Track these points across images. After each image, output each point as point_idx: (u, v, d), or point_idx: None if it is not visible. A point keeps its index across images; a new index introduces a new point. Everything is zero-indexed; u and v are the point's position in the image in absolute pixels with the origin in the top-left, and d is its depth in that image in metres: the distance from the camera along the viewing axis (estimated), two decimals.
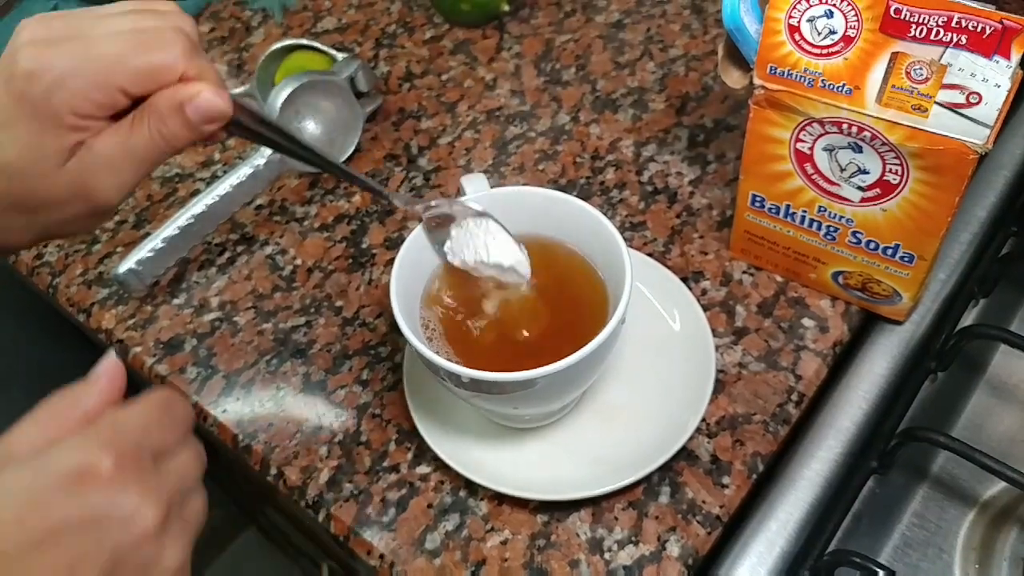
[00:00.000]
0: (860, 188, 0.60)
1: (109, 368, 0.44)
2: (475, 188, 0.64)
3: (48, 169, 0.48)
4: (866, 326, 0.70)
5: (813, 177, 0.62)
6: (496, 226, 0.60)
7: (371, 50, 0.98)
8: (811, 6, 0.56)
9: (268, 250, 0.81)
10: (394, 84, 0.94)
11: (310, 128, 0.84)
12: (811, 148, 0.60)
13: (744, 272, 0.73)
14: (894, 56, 0.54)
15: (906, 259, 0.63)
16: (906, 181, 0.58)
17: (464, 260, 0.61)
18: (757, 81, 0.59)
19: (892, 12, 0.53)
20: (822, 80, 0.57)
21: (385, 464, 0.66)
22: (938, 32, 0.52)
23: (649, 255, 0.73)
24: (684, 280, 0.71)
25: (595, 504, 0.63)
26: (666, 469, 0.63)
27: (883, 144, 0.56)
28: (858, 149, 0.58)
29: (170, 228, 0.77)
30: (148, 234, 0.78)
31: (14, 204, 0.50)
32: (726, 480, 0.63)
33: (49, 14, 0.50)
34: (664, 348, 0.67)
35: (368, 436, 0.68)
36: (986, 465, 0.58)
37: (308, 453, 0.68)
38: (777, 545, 0.60)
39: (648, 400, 0.65)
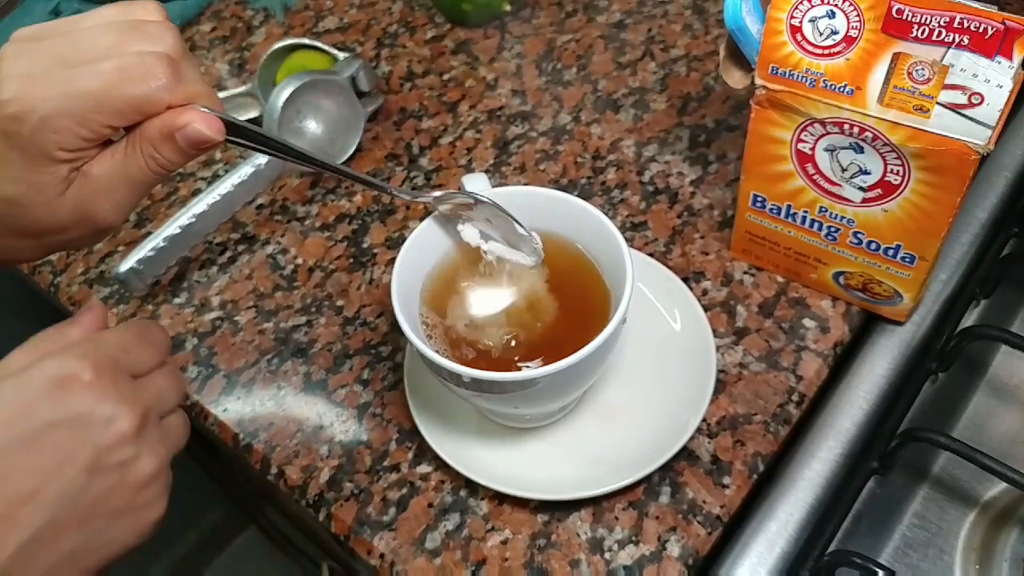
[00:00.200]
0: (861, 189, 0.60)
1: (93, 308, 0.49)
2: (476, 188, 0.64)
3: (48, 199, 0.48)
4: (867, 327, 0.70)
5: (814, 177, 0.62)
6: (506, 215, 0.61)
7: (372, 50, 0.98)
8: (813, 6, 0.56)
9: (269, 249, 0.81)
10: (395, 84, 0.94)
11: (311, 127, 0.84)
12: (812, 148, 0.60)
13: (745, 272, 0.73)
14: (896, 56, 0.54)
15: (907, 260, 0.63)
16: (907, 182, 0.58)
17: (479, 242, 0.63)
18: (759, 81, 0.59)
19: (894, 12, 0.53)
20: (824, 80, 0.57)
21: (386, 463, 0.66)
22: (940, 33, 0.52)
23: (650, 255, 0.73)
24: (685, 280, 0.71)
25: (595, 504, 0.63)
26: (667, 469, 0.63)
27: (884, 145, 0.56)
28: (859, 150, 0.58)
29: (171, 227, 0.77)
30: (149, 233, 0.78)
31: (20, 232, 0.50)
32: (726, 480, 0.63)
33: (30, 34, 0.49)
34: (665, 348, 0.67)
35: (369, 435, 0.68)
36: (987, 466, 0.58)
37: (309, 452, 0.68)
38: (777, 545, 0.60)
39: (649, 400, 0.65)
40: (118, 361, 0.46)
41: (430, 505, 0.64)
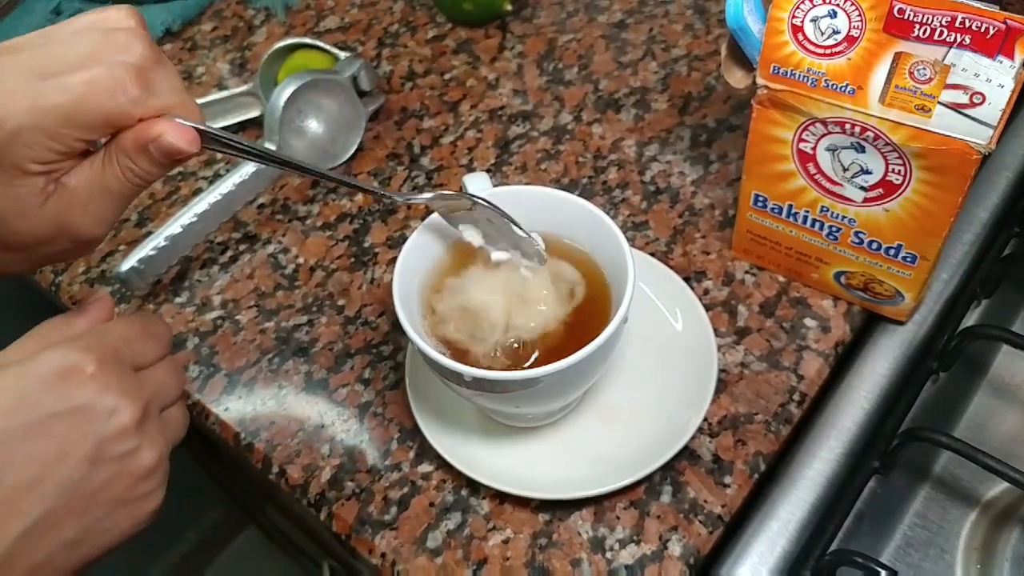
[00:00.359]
0: (863, 188, 0.60)
1: (101, 299, 0.51)
2: (477, 187, 0.64)
3: (26, 211, 0.47)
4: (868, 326, 0.70)
5: (816, 177, 0.62)
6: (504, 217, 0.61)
7: (374, 49, 0.98)
8: (815, 6, 0.56)
9: (270, 249, 0.81)
10: (396, 83, 0.94)
11: (312, 127, 0.84)
12: (814, 148, 0.60)
13: (746, 272, 0.73)
14: (897, 56, 0.54)
15: (908, 259, 0.63)
16: (909, 181, 0.58)
17: (481, 243, 0.62)
18: (760, 81, 0.59)
19: (896, 12, 0.53)
20: (825, 80, 0.57)
21: (387, 463, 0.66)
22: (942, 32, 0.52)
23: (651, 255, 0.73)
24: (686, 280, 0.71)
25: (597, 503, 0.63)
26: (668, 468, 0.63)
27: (886, 144, 0.56)
28: (861, 149, 0.58)
29: (173, 226, 0.77)
30: (150, 232, 0.78)
31: (1, 246, 0.49)
32: (728, 480, 0.63)
33: (6, 47, 0.48)
34: (666, 348, 0.67)
35: (370, 435, 0.68)
36: (988, 465, 0.58)
37: (310, 452, 0.68)
38: (779, 545, 0.60)
39: (650, 399, 0.65)
40: (121, 354, 0.47)
41: (431, 504, 0.64)
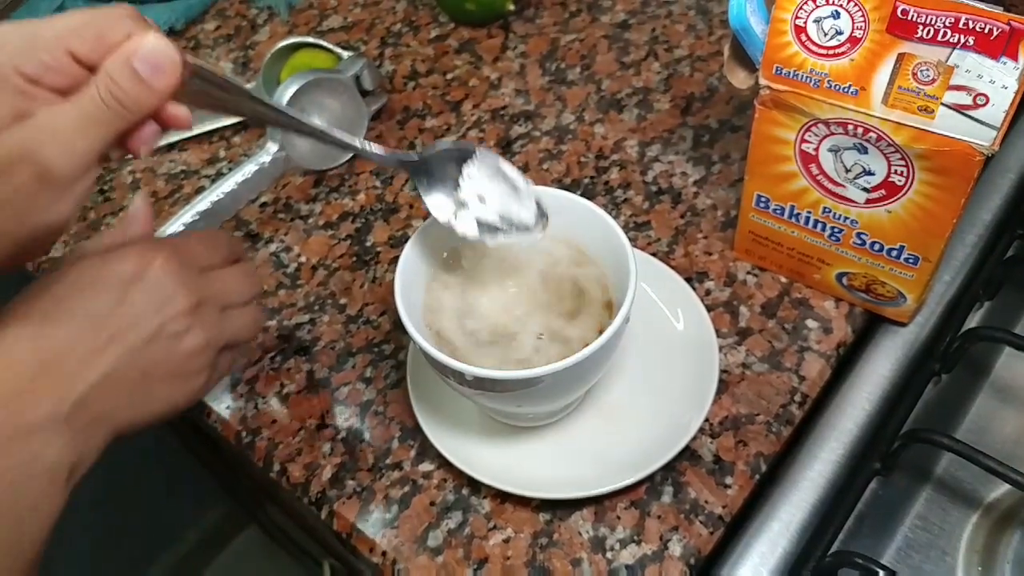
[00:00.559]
0: (865, 189, 0.60)
1: (140, 204, 0.61)
2: None
3: None
4: (870, 327, 0.70)
5: (818, 178, 0.62)
6: (508, 167, 0.61)
7: (376, 49, 0.98)
8: (818, 7, 0.56)
9: (272, 247, 0.81)
10: (399, 83, 0.94)
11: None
12: (816, 149, 0.60)
13: (748, 273, 0.73)
14: (900, 57, 0.54)
15: (911, 261, 0.63)
16: (911, 182, 0.58)
17: (475, 234, 0.61)
18: (763, 81, 0.59)
19: (899, 13, 0.53)
20: (828, 81, 0.56)
21: (388, 461, 0.66)
22: (945, 33, 0.52)
23: (653, 255, 0.73)
24: (688, 280, 0.71)
25: (597, 503, 0.63)
26: (669, 469, 0.63)
27: (889, 145, 0.56)
28: (863, 150, 0.58)
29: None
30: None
31: None
32: (729, 480, 0.62)
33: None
34: (668, 348, 0.67)
35: (371, 433, 0.68)
36: (990, 467, 0.58)
37: (311, 450, 0.68)
38: (779, 546, 0.60)
39: (651, 400, 0.65)
40: (186, 255, 0.56)
41: (432, 503, 0.64)
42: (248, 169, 0.79)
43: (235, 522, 1.80)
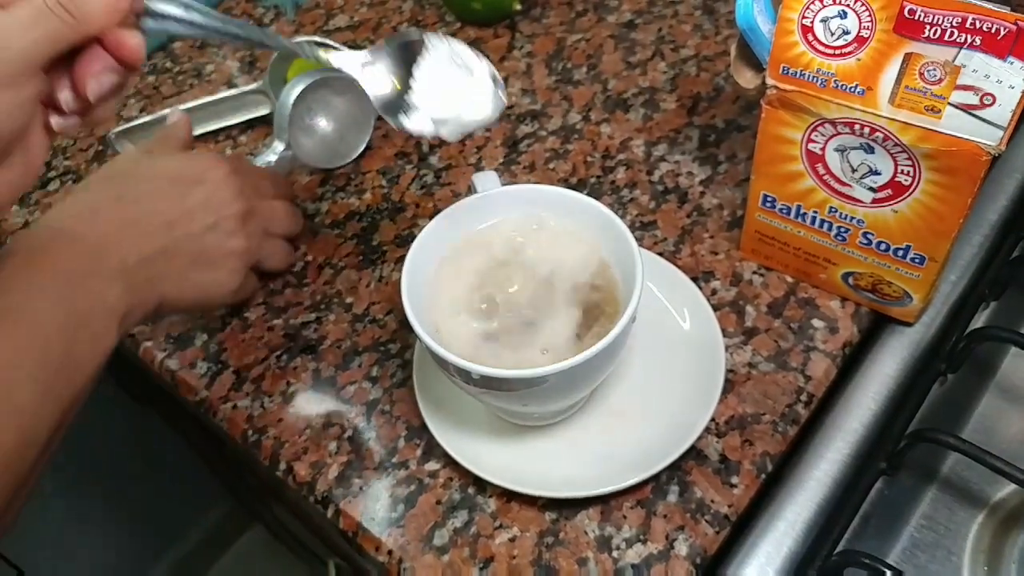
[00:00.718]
0: (871, 189, 0.60)
1: (180, 116, 0.76)
2: (486, 186, 0.64)
3: None
4: (876, 327, 0.70)
5: (824, 178, 0.62)
6: (461, 48, 0.63)
7: None
8: (824, 6, 0.56)
9: None
10: None
11: (322, 125, 0.84)
12: (823, 149, 0.60)
13: (754, 272, 0.73)
14: (907, 57, 0.54)
15: (917, 261, 0.63)
16: (918, 182, 0.58)
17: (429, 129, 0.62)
18: (769, 81, 0.59)
19: (906, 13, 0.53)
20: (835, 81, 0.57)
21: (394, 460, 0.66)
22: (952, 33, 0.52)
23: (660, 255, 0.73)
24: (694, 280, 0.71)
25: (603, 502, 0.63)
26: (675, 468, 0.63)
27: (895, 145, 0.56)
28: (870, 150, 0.58)
29: None
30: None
31: None
32: (735, 480, 0.63)
33: None
34: (674, 348, 0.67)
35: (377, 432, 0.68)
36: (996, 467, 0.58)
37: (317, 449, 0.68)
38: (785, 545, 0.60)
39: (657, 399, 0.65)
40: (247, 176, 0.70)
41: (438, 502, 0.64)
42: None
43: (240, 521, 1.80)
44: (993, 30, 0.51)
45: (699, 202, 0.78)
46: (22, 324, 0.53)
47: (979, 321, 0.72)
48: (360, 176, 0.86)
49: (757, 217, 0.69)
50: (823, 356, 0.68)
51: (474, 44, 0.95)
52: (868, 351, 0.69)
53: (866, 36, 0.55)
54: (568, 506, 0.63)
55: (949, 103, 0.53)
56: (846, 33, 0.55)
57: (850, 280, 0.68)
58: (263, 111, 0.91)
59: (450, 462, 0.65)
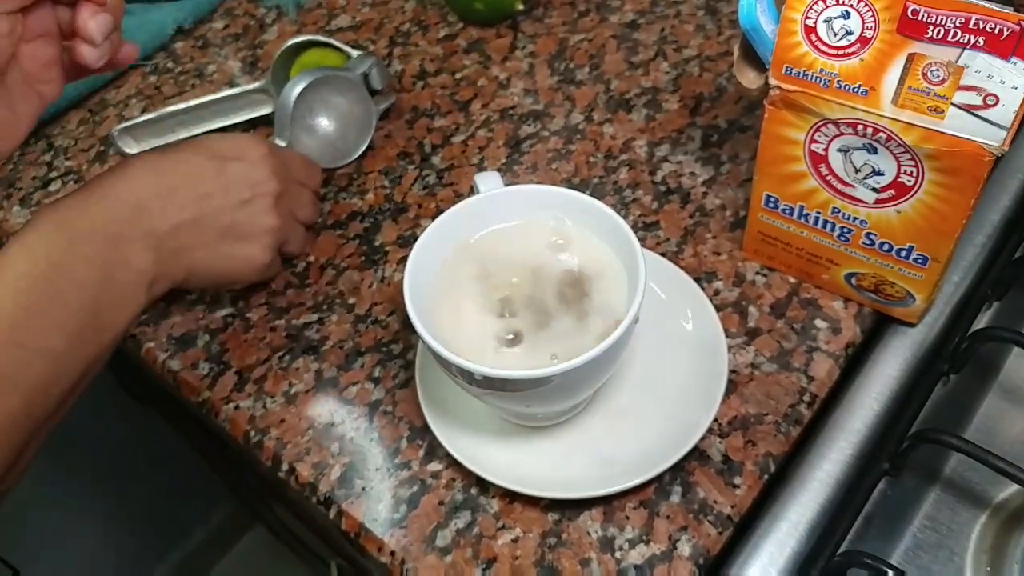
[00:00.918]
0: (874, 189, 0.60)
1: None
2: (489, 186, 0.64)
3: None
4: (879, 328, 0.70)
5: (827, 178, 0.62)
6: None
7: (385, 48, 0.98)
8: (828, 7, 0.56)
9: None
10: (408, 82, 0.94)
11: (323, 124, 0.84)
12: (826, 149, 0.60)
13: (757, 273, 0.73)
14: (911, 57, 0.54)
15: (920, 261, 0.63)
16: (921, 183, 0.58)
17: None
18: (772, 81, 0.59)
19: (909, 13, 0.53)
20: (838, 81, 0.56)
21: (396, 461, 0.66)
22: (955, 33, 0.52)
23: (662, 255, 0.73)
24: (697, 280, 0.71)
25: (606, 503, 0.63)
26: (677, 469, 0.63)
27: (898, 145, 0.56)
28: (873, 150, 0.58)
29: None
30: None
31: None
32: (737, 480, 0.62)
33: None
34: (677, 348, 0.67)
35: (380, 433, 0.68)
36: (999, 468, 0.58)
37: (319, 450, 0.68)
38: (788, 546, 0.60)
39: (660, 400, 0.65)
40: (282, 160, 0.72)
41: (441, 503, 0.64)
42: None
43: (242, 522, 1.81)
44: (996, 31, 0.51)
45: (702, 202, 0.78)
46: (56, 277, 0.56)
47: (982, 321, 0.72)
48: (362, 176, 0.86)
49: (760, 217, 0.69)
50: (826, 356, 0.68)
51: (476, 44, 0.96)
52: (871, 352, 0.68)
53: (869, 36, 0.55)
54: (571, 507, 0.63)
55: (952, 103, 0.53)
56: (849, 33, 0.55)
57: (853, 281, 0.68)
58: (265, 110, 0.91)
59: (452, 463, 0.65)
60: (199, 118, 0.91)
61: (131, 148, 0.91)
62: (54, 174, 0.93)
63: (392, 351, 0.73)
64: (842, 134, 0.59)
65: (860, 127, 0.57)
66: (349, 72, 0.84)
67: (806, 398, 0.66)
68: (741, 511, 0.62)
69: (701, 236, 0.76)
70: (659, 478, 0.63)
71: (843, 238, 0.65)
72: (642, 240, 0.75)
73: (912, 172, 0.57)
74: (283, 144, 0.80)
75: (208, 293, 0.78)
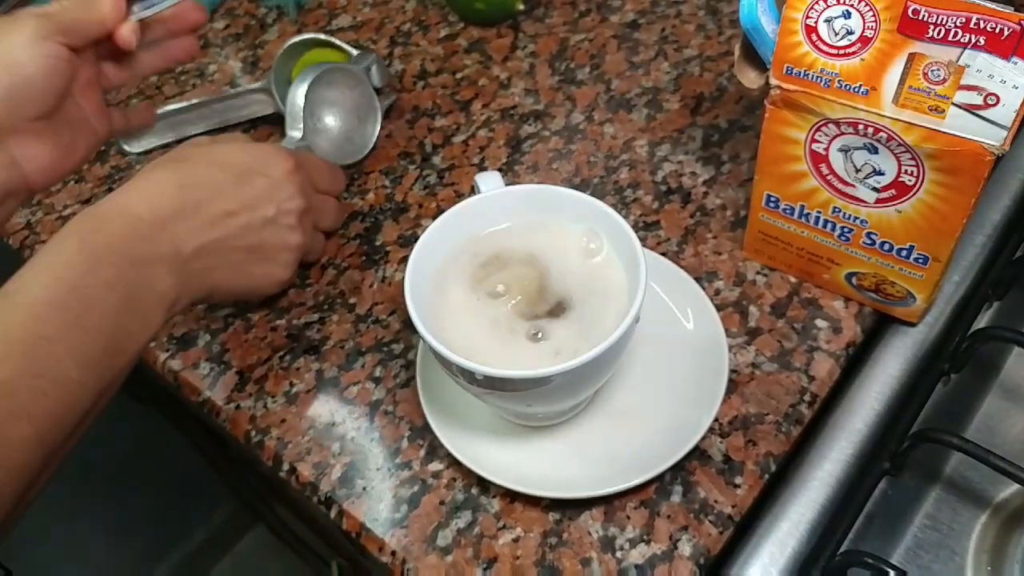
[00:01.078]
0: (875, 189, 0.60)
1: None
2: (490, 186, 0.64)
3: None
4: (879, 327, 0.70)
5: (828, 178, 0.62)
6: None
7: (386, 48, 0.98)
8: (828, 6, 0.56)
9: None
10: (408, 82, 0.94)
11: (329, 122, 0.84)
12: (826, 149, 0.60)
13: (758, 272, 0.73)
14: (911, 57, 0.54)
15: (920, 261, 0.63)
16: (921, 182, 0.58)
17: None
18: (773, 81, 0.59)
19: (910, 13, 0.53)
20: (838, 81, 0.56)
21: (397, 461, 0.67)
22: (956, 33, 0.52)
23: (663, 255, 0.73)
24: (698, 280, 0.71)
25: (607, 503, 0.63)
26: (678, 468, 0.63)
27: (899, 145, 0.56)
28: (874, 150, 0.58)
29: None
30: None
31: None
32: (738, 480, 0.63)
33: None
34: (677, 348, 0.67)
35: (380, 433, 0.68)
36: (999, 467, 0.58)
37: (320, 449, 0.68)
38: (789, 545, 0.60)
39: (661, 399, 0.65)
40: (308, 171, 0.71)
41: (442, 503, 0.64)
42: None
43: (243, 521, 1.81)
44: (997, 30, 0.51)
45: (702, 202, 0.78)
46: (76, 303, 0.55)
47: (982, 321, 0.72)
48: (363, 176, 0.86)
49: (760, 217, 0.69)
50: (826, 356, 0.68)
51: (477, 44, 0.96)
52: (871, 351, 0.68)
53: (870, 36, 0.55)
54: (572, 506, 0.63)
55: (953, 103, 0.53)
56: (850, 33, 0.55)
57: (854, 280, 0.68)
58: (267, 110, 0.91)
59: (453, 462, 0.65)
60: (200, 117, 0.91)
61: (133, 147, 0.91)
62: None
63: (393, 351, 0.73)
64: (843, 134, 0.59)
65: (861, 127, 0.57)
66: (352, 65, 0.85)
67: (807, 398, 0.66)
68: (742, 511, 0.62)
69: (702, 236, 0.76)
70: (660, 478, 0.63)
71: (844, 238, 0.65)
72: (643, 240, 0.75)
73: (913, 172, 0.58)
74: (298, 136, 0.80)
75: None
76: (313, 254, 0.77)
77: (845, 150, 0.60)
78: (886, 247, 0.63)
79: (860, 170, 0.60)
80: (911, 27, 0.53)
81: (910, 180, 0.58)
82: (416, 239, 0.61)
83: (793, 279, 0.72)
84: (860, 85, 0.56)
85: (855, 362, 0.69)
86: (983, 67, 0.52)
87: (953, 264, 0.68)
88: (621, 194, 0.80)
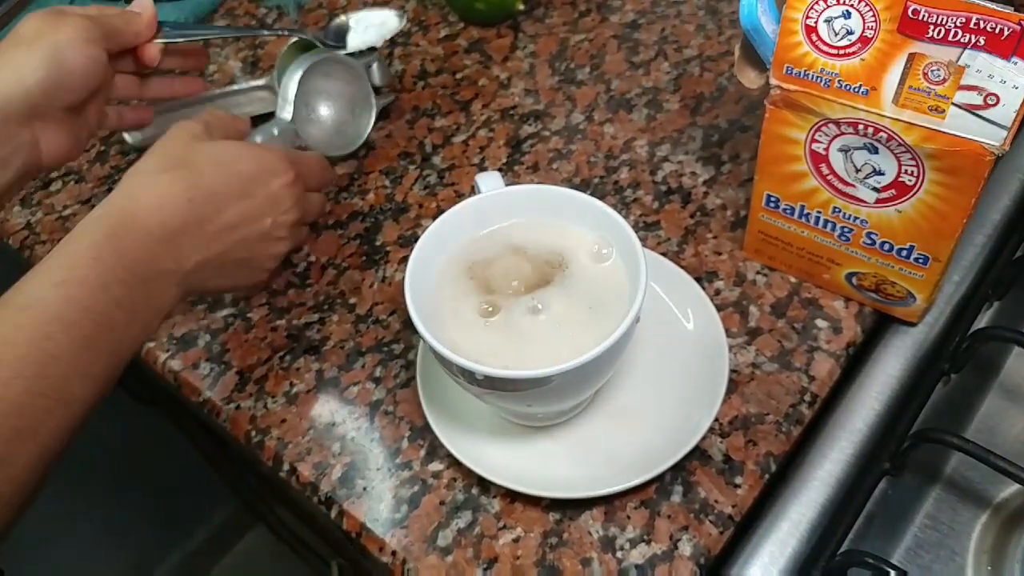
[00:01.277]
0: (875, 189, 0.60)
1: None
2: (490, 186, 0.64)
3: None
4: (879, 327, 0.70)
5: (828, 178, 0.62)
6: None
7: (386, 48, 0.98)
8: (828, 7, 0.56)
9: None
10: (408, 82, 0.94)
11: (322, 112, 0.84)
12: (826, 149, 0.60)
13: (758, 272, 0.73)
14: (911, 57, 0.54)
15: (920, 261, 0.63)
16: (921, 182, 0.58)
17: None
18: (773, 81, 0.59)
19: (910, 13, 0.53)
20: (839, 81, 0.57)
21: (397, 461, 0.67)
22: (956, 33, 0.52)
23: (663, 255, 0.73)
24: (698, 280, 0.71)
25: (607, 503, 0.63)
26: (679, 468, 0.63)
27: (899, 145, 0.56)
28: (874, 150, 0.58)
29: None
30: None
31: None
32: (738, 480, 0.63)
33: None
34: (678, 348, 0.67)
35: (381, 433, 0.68)
36: (999, 467, 0.58)
37: (320, 450, 0.68)
38: (789, 545, 0.60)
39: (661, 399, 0.65)
40: (305, 177, 0.71)
41: (442, 503, 0.64)
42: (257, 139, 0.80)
43: (243, 521, 1.81)
44: (997, 30, 0.51)
45: (703, 202, 0.78)
46: (88, 324, 0.56)
47: (982, 321, 0.72)
48: (363, 176, 0.86)
49: (760, 217, 0.69)
50: (827, 356, 0.68)
51: (477, 44, 0.96)
52: (872, 351, 0.68)
53: (870, 36, 0.55)
54: (572, 506, 0.63)
55: (953, 103, 0.53)
56: (850, 33, 0.55)
57: (854, 280, 0.68)
58: (269, 108, 0.91)
59: (454, 463, 0.65)
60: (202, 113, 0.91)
61: (134, 139, 0.92)
62: (55, 174, 0.93)
63: (393, 351, 0.73)
64: (843, 134, 0.59)
65: (861, 127, 0.57)
66: (353, 59, 0.85)
67: (807, 398, 0.66)
68: (742, 511, 0.62)
69: (702, 236, 0.76)
70: (660, 478, 0.63)
71: (844, 238, 0.65)
72: (643, 240, 0.75)
73: (913, 172, 0.58)
74: (287, 118, 0.80)
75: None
76: (298, 243, 0.75)
77: (845, 150, 0.60)
78: (886, 247, 0.63)
79: (860, 170, 0.60)
80: (911, 27, 0.53)
81: (910, 180, 0.58)
82: (416, 239, 0.61)
83: (793, 279, 0.72)
84: (860, 85, 0.56)
85: (855, 362, 0.69)
86: (983, 67, 0.52)
87: (953, 264, 0.68)
88: (621, 194, 0.80)
